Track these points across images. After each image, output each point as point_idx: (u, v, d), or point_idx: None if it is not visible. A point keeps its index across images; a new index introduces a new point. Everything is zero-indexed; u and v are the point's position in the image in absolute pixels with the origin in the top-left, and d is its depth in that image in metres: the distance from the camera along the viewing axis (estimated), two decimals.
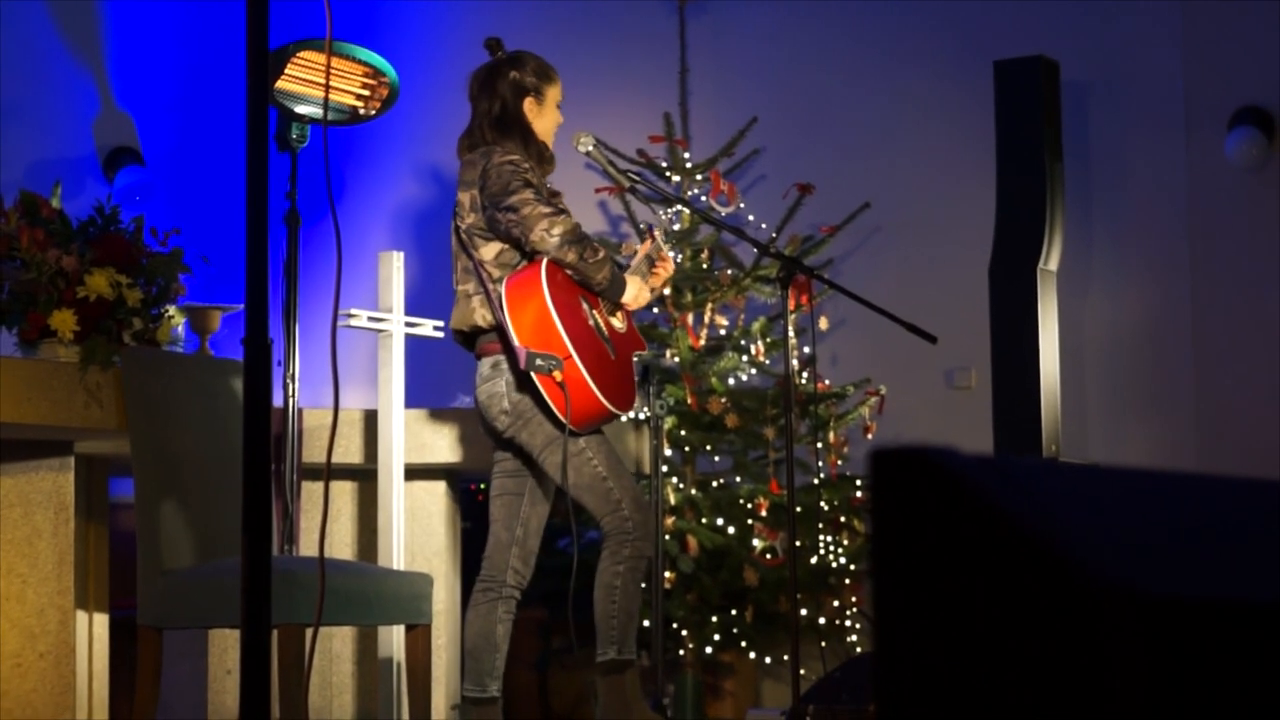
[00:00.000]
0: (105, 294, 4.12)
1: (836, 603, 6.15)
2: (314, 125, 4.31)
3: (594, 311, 4.23)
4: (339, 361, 2.79)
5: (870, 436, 6.30)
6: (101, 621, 4.71)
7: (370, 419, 4.88)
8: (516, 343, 4.03)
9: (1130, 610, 1.04)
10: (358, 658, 5.06)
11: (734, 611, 6.16)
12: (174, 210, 5.94)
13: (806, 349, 6.25)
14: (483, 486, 5.16)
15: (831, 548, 6.15)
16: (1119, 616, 1.04)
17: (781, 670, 6.37)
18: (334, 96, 4.46)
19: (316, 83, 4.28)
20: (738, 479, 6.35)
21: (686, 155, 6.62)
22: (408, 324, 4.82)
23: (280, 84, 4.28)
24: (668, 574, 5.97)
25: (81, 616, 4.61)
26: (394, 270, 4.80)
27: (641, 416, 5.36)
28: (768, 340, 6.32)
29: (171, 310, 4.35)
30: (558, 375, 4.02)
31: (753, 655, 6.28)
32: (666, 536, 5.83)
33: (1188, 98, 6.60)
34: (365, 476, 5.01)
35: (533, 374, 4.03)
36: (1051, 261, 6.20)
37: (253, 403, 2.20)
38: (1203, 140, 6.53)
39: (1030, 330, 6.10)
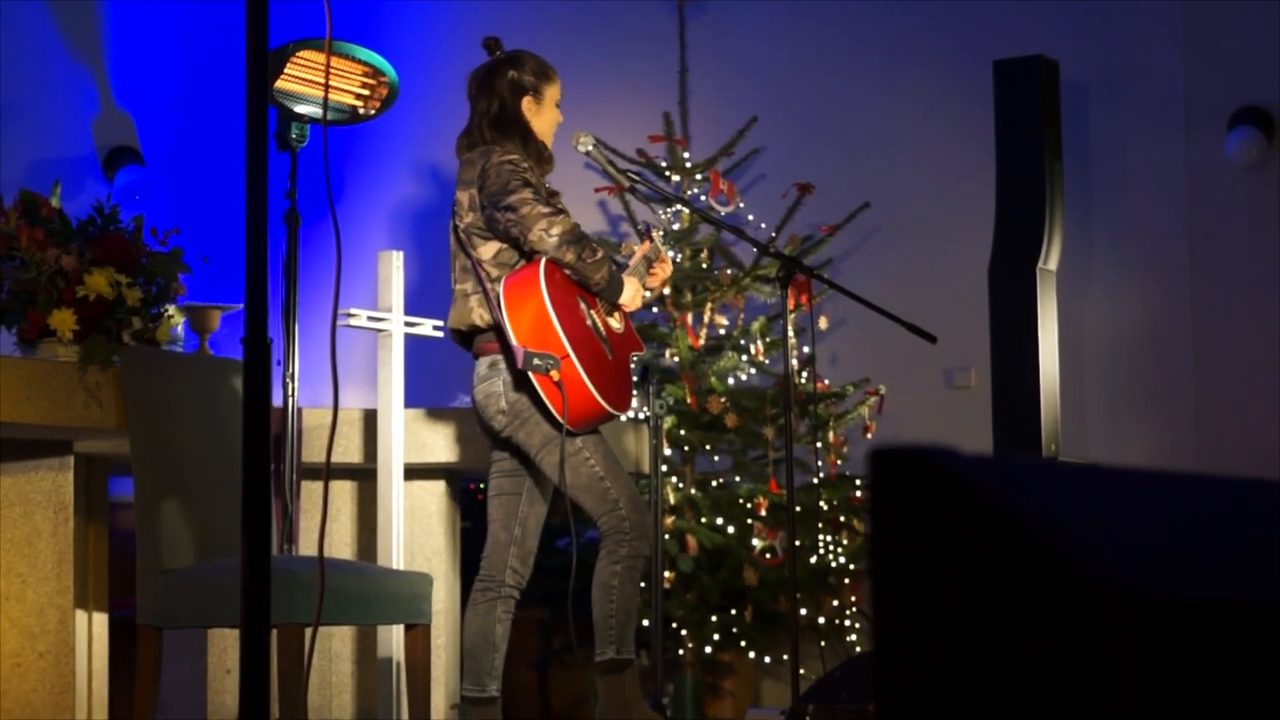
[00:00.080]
0: (105, 293, 4.11)
1: (836, 602, 6.15)
2: (314, 125, 4.31)
3: (592, 312, 4.22)
4: (338, 361, 2.79)
5: (870, 436, 6.30)
6: (101, 621, 4.71)
7: (370, 418, 4.87)
8: (514, 342, 4.02)
9: (1130, 610, 1.04)
10: (357, 657, 5.06)
11: (733, 611, 6.16)
12: (174, 210, 5.94)
13: (806, 349, 6.25)
14: (482, 486, 5.16)
15: (831, 547, 6.15)
16: (1119, 616, 1.04)
17: (781, 670, 6.37)
18: (333, 96, 4.46)
19: (316, 82, 4.27)
20: (737, 479, 6.35)
21: (686, 155, 6.62)
22: (407, 323, 4.81)
23: (280, 84, 4.27)
24: (667, 573, 5.97)
25: (81, 616, 4.60)
26: (393, 270, 4.80)
27: (641, 416, 5.36)
28: (767, 340, 6.31)
29: (171, 310, 4.35)
30: (555, 375, 4.01)
31: (752, 655, 6.28)
32: (666, 536, 5.83)
33: (1188, 98, 6.60)
34: (364, 476, 5.01)
35: (530, 374, 4.02)
36: (1051, 261, 6.20)
37: (252, 402, 2.20)
38: (1203, 140, 6.53)
39: (1030, 330, 6.10)
